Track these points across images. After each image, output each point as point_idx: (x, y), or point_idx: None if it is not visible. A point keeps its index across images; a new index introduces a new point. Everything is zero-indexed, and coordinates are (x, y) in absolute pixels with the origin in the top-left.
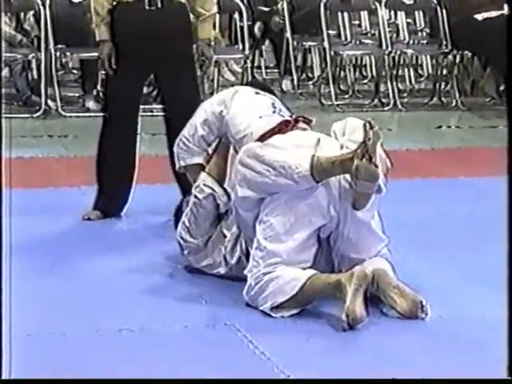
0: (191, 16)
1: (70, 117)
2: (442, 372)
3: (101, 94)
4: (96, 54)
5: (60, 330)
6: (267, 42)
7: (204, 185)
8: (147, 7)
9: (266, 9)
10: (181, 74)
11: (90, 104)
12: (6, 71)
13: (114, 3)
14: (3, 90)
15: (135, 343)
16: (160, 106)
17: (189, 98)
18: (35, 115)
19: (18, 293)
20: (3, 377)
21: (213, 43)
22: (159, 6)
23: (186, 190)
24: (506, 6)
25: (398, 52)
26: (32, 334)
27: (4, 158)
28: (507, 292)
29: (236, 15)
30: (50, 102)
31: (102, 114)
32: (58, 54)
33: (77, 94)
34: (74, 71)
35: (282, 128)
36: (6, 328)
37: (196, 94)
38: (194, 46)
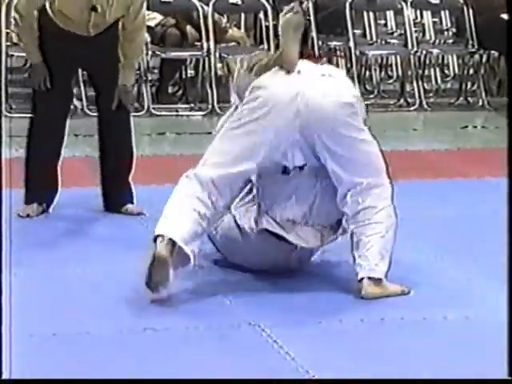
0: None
1: (95, 116)
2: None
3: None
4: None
5: (84, 329)
6: None
7: None
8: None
9: None
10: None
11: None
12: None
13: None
14: (10, 90)
15: (160, 343)
16: (185, 106)
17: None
18: None
19: (40, 292)
20: (3, 377)
21: (130, 88)
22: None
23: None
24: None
25: (424, 52)
26: (57, 333)
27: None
28: (507, 292)
29: (261, 15)
30: (75, 101)
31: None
32: None
33: None
34: None
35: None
36: (6, 328)
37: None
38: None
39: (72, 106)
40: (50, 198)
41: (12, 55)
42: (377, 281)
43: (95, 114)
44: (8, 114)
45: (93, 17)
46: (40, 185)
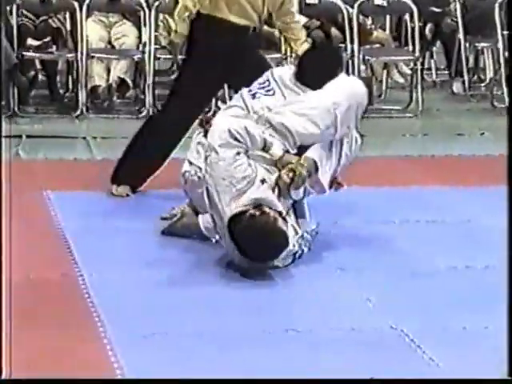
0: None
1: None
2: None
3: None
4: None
5: (226, 328)
6: (438, 43)
7: None
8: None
9: (438, 10)
10: None
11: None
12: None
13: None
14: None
15: (302, 344)
16: None
17: None
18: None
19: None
20: (3, 377)
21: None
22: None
23: None
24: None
25: None
26: (189, 333)
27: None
28: (507, 292)
29: (406, 16)
30: (220, 103)
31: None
32: None
33: None
34: None
35: None
36: (5, 328)
37: None
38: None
39: (215, 108)
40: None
41: (159, 58)
42: None
43: None
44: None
45: (266, 3)
46: (139, 172)
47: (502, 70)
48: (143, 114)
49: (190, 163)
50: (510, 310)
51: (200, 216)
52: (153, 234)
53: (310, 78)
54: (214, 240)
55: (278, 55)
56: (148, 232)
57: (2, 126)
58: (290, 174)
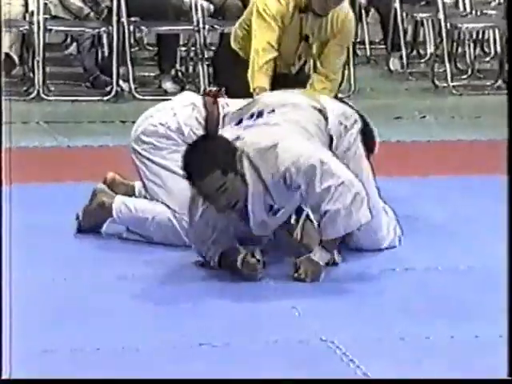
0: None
1: (145, 100)
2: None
3: (179, 73)
4: (175, 28)
5: (133, 344)
6: (372, 11)
7: None
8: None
9: None
10: None
11: (168, 85)
12: (73, 48)
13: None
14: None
15: (217, 360)
16: None
17: None
18: (105, 98)
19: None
20: (3, 377)
21: None
22: None
23: None
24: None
25: None
26: (102, 348)
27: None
28: (507, 292)
29: None
30: (121, 82)
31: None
32: (131, 27)
33: (152, 74)
34: (150, 48)
35: None
36: (5, 328)
37: None
38: None
39: (117, 88)
40: None
41: (50, 29)
42: None
43: (144, 97)
44: (45, 97)
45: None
46: None
47: (444, 44)
48: (32, 95)
49: None
50: (509, 309)
51: (118, 196)
52: (62, 231)
53: None
54: (124, 234)
55: (189, 27)
56: (57, 229)
57: (3, 120)
58: None
